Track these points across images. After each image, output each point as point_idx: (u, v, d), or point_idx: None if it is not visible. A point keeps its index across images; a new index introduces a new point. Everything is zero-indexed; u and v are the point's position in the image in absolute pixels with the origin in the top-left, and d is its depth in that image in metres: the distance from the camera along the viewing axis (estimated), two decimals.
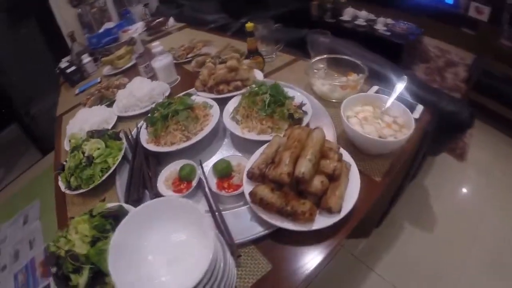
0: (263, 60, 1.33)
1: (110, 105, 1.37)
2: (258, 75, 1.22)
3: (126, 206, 0.83)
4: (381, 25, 2.49)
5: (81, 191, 0.94)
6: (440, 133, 1.15)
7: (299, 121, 0.91)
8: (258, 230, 0.71)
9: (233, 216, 0.76)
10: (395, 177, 0.92)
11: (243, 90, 1.09)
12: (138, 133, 1.06)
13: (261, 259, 0.69)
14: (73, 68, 1.68)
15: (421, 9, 2.47)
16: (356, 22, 2.59)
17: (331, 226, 0.66)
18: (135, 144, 1.03)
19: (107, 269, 0.50)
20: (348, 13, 2.66)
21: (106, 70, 1.75)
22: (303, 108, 0.97)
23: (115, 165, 0.97)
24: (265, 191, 0.68)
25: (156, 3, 2.43)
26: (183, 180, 0.88)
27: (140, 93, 1.24)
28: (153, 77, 1.48)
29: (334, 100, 1.10)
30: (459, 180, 1.93)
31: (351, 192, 0.70)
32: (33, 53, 2.52)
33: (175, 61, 1.61)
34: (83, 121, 1.19)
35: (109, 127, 1.21)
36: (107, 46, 1.86)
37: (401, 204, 1.61)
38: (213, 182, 0.84)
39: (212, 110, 1.06)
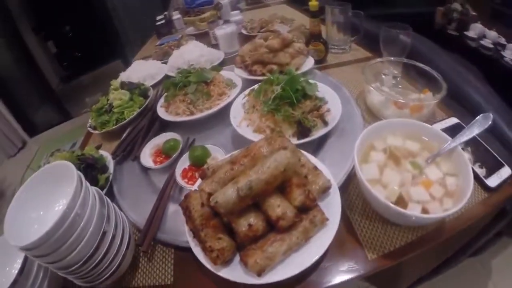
0: (325, 49, 1.09)
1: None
2: (308, 63, 1.01)
3: (108, 160, 0.84)
4: (511, 53, 1.85)
5: (96, 132, 1.01)
6: None
7: (307, 131, 0.70)
8: (182, 239, 0.59)
9: (176, 212, 0.66)
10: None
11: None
12: (160, 95, 1.04)
13: (168, 268, 0.61)
14: (162, 21, 1.80)
15: None
16: (482, 42, 2.01)
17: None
18: (151, 105, 1.02)
19: None
20: (474, 29, 2.08)
21: (190, 29, 1.82)
22: (327, 118, 0.73)
23: (129, 118, 0.99)
24: (196, 201, 0.55)
25: None
26: (164, 153, 0.82)
27: (188, 56, 1.22)
28: (217, 45, 1.43)
29: (384, 120, 0.81)
30: None
31: (300, 257, 0.48)
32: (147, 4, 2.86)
33: (247, 33, 1.53)
34: (133, 71, 1.26)
35: (154, 82, 1.25)
36: (200, 7, 1.91)
37: (449, 277, 1.16)
38: (181, 167, 0.75)
39: (232, 91, 0.94)
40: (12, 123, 3.04)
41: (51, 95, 3.53)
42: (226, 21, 1.73)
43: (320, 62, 1.11)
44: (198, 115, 0.86)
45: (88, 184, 0.56)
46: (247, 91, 0.88)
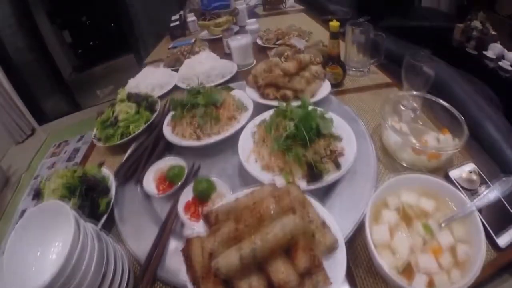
0: (343, 72, 1.04)
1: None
2: (325, 89, 0.96)
3: (110, 180, 0.82)
4: None
5: (100, 144, 0.99)
6: None
7: (318, 176, 0.65)
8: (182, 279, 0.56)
9: (177, 249, 0.63)
10: None
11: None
12: (168, 110, 1.01)
13: None
14: (176, 23, 1.76)
15: None
16: (500, 63, 1.97)
17: None
18: (158, 120, 0.99)
19: None
20: (493, 49, 2.03)
21: (203, 34, 1.77)
22: (340, 159, 0.69)
23: (134, 134, 0.96)
24: (198, 250, 0.52)
25: None
26: (168, 180, 0.79)
27: (199, 68, 1.18)
28: (230, 54, 1.39)
29: (402, 163, 0.76)
30: None
31: None
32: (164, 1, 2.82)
33: (262, 44, 1.48)
34: (142, 78, 1.23)
35: (163, 92, 1.22)
36: (216, 10, 1.86)
37: None
38: (184, 199, 0.72)
39: (243, 115, 0.90)
40: (22, 110, 3.06)
41: (63, 84, 3.54)
42: (242, 27, 1.69)
43: (337, 86, 1.06)
44: (205, 142, 0.82)
45: (85, 225, 0.54)
46: (257, 120, 0.83)
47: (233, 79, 1.22)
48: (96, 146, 1.04)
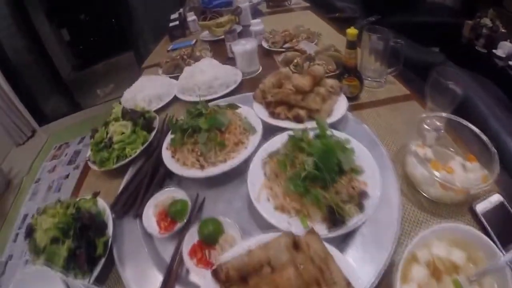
0: (360, 85, 0.94)
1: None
2: (341, 106, 0.87)
3: (106, 214, 0.75)
4: None
5: (95, 167, 0.91)
6: None
7: (339, 221, 0.57)
8: None
9: None
10: None
11: (300, 126, 0.78)
12: (167, 129, 0.91)
13: None
14: (176, 23, 1.65)
15: None
16: (510, 63, 1.96)
17: None
18: (158, 142, 0.90)
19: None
20: (503, 47, 1.95)
21: (204, 34, 1.66)
22: (364, 201, 0.61)
23: (130, 158, 0.88)
24: None
25: None
26: (170, 216, 0.71)
27: (200, 78, 1.09)
28: (234, 58, 1.29)
29: (426, 196, 0.68)
30: None
31: None
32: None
33: (268, 47, 1.38)
34: (139, 89, 1.14)
35: (162, 104, 1.13)
36: (217, 8, 1.74)
37: None
38: (190, 242, 0.64)
39: (251, 138, 0.81)
40: (22, 111, 2.99)
41: (62, 84, 3.46)
42: (245, 27, 1.58)
43: (353, 99, 0.96)
44: (210, 173, 0.74)
45: (76, 286, 0.47)
46: (268, 147, 0.75)
47: (238, 89, 1.13)
48: (91, 169, 0.97)
